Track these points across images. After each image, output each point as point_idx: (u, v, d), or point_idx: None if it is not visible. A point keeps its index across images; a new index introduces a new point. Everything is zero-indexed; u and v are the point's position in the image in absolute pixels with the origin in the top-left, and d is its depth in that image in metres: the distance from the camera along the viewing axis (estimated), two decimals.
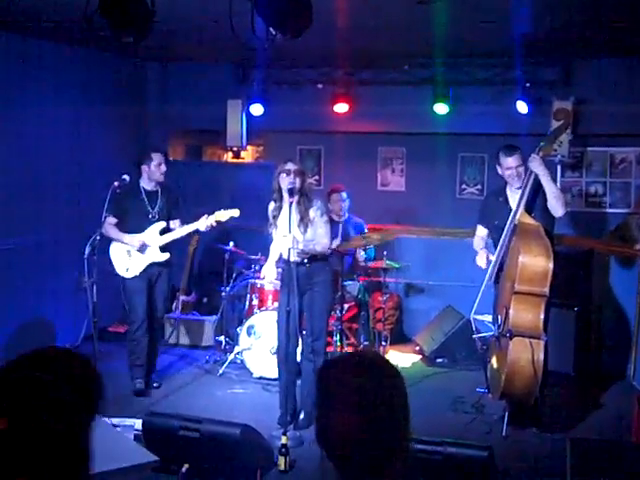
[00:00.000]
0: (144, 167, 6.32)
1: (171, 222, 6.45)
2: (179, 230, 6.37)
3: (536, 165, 5.32)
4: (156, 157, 6.32)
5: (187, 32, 6.71)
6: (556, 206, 5.35)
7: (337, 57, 7.85)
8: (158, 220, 6.35)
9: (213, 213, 6.23)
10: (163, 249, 6.35)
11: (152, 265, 6.34)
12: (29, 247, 7.03)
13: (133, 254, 6.34)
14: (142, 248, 6.28)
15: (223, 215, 6.22)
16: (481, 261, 5.64)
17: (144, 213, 6.32)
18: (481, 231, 5.86)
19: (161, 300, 6.50)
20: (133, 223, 6.29)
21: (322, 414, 1.74)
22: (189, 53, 8.06)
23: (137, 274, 6.33)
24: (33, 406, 1.31)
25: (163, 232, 6.36)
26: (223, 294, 7.46)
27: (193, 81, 8.59)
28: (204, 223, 6.21)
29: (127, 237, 6.28)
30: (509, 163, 5.48)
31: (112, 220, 6.25)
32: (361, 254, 7.41)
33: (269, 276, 6.02)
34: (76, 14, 4.23)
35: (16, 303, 6.93)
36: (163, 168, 6.33)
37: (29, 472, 1.26)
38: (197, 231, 6.49)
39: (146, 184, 6.36)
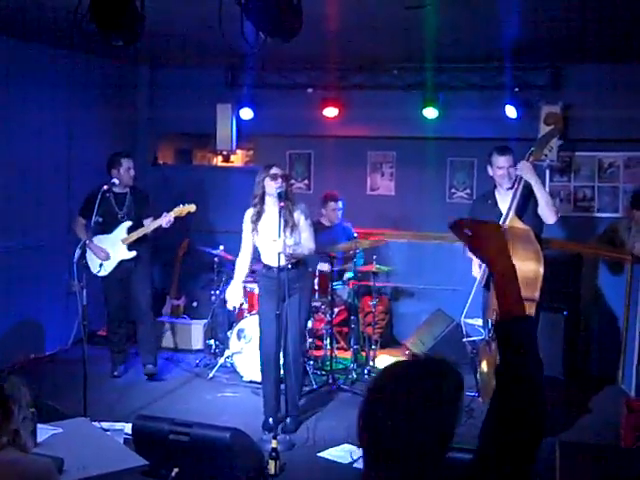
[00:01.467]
0: (114, 171, 6.57)
1: (144, 221, 6.67)
2: (144, 228, 6.60)
3: (527, 172, 5.30)
4: (125, 162, 6.60)
5: (177, 36, 6.71)
6: (548, 213, 5.34)
7: (327, 61, 7.87)
8: (127, 220, 6.61)
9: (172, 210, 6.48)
10: (131, 247, 6.59)
11: (122, 262, 6.60)
12: (21, 250, 7.03)
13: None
14: (107, 257, 6.56)
15: (181, 211, 6.49)
16: (477, 272, 5.63)
17: (113, 214, 6.57)
18: None
19: (141, 290, 6.72)
20: (103, 224, 6.45)
21: (371, 411, 1.78)
22: (179, 57, 8.05)
23: (108, 273, 6.59)
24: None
25: (130, 231, 6.61)
26: (213, 298, 7.45)
27: (183, 85, 8.55)
28: (164, 220, 6.43)
29: (94, 247, 6.52)
30: (501, 162, 5.47)
31: (82, 220, 6.55)
32: (347, 274, 7.43)
33: (233, 301, 5.92)
34: (67, 17, 4.23)
35: (7, 306, 6.91)
36: (132, 172, 6.64)
37: None
38: (186, 235, 6.58)
39: (115, 187, 6.57)
